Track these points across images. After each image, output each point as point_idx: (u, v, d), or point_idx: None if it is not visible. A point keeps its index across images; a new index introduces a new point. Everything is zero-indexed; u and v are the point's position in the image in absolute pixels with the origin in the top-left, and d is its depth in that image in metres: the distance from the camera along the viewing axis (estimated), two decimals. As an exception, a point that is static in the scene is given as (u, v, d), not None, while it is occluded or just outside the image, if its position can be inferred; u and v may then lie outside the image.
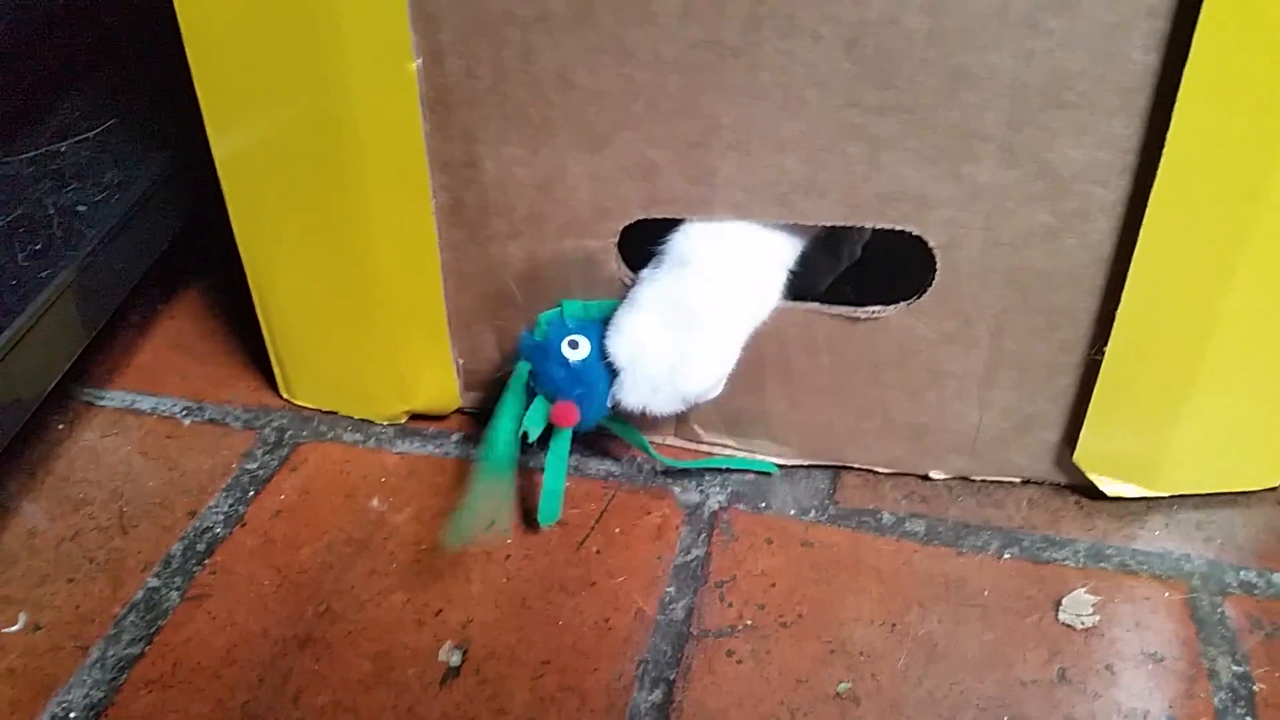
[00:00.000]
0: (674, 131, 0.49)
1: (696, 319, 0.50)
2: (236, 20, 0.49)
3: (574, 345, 0.51)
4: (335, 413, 0.62)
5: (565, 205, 0.52)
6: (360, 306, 0.57)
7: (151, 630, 0.51)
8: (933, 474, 0.58)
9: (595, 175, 0.51)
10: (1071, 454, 0.55)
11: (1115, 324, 0.50)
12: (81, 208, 0.59)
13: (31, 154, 0.63)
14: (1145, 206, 0.46)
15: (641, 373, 0.51)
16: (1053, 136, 0.46)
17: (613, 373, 0.51)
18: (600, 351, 0.51)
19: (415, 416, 0.62)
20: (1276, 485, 0.56)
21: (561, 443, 0.53)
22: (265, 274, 0.58)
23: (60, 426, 0.62)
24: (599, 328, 0.52)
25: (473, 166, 0.52)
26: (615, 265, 0.53)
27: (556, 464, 0.53)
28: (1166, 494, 0.56)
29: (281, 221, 0.55)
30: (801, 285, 0.53)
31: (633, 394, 0.51)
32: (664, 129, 0.49)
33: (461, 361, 0.60)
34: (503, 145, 0.51)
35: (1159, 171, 0.45)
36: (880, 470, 0.58)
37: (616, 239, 0.53)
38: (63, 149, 0.64)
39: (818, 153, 0.48)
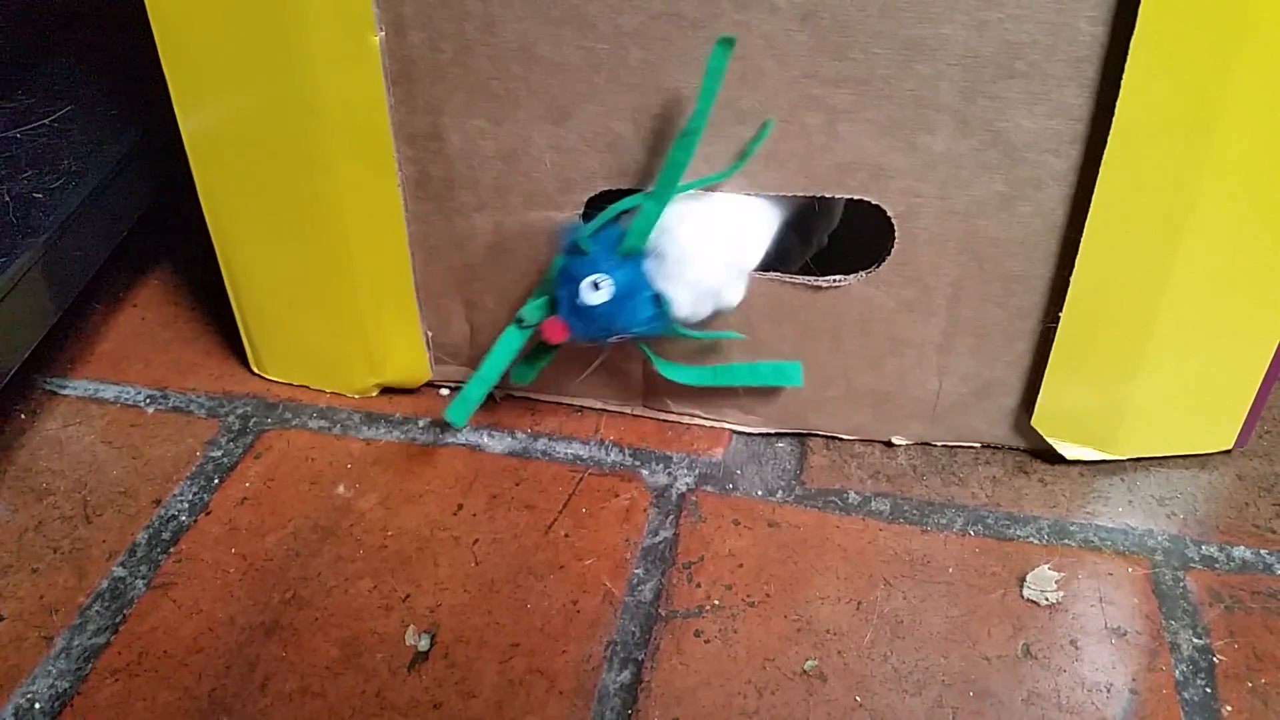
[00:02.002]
0: (636, 103, 0.49)
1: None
2: None
3: (595, 286, 0.48)
4: (299, 400, 0.62)
5: (530, 177, 0.52)
6: (329, 280, 0.57)
7: (117, 619, 0.50)
8: (895, 440, 0.58)
9: (559, 147, 0.51)
10: (1030, 419, 0.55)
11: (1069, 290, 0.50)
12: (38, 195, 0.58)
13: (-13, 141, 0.62)
14: (1097, 174, 0.47)
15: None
16: (1005, 106, 0.46)
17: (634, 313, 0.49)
18: (623, 293, 0.48)
19: (385, 390, 0.62)
20: (1230, 448, 0.57)
21: (508, 344, 0.52)
22: (234, 249, 0.58)
23: (22, 416, 0.61)
24: (630, 266, 0.49)
25: (438, 139, 0.52)
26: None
27: (492, 364, 0.52)
28: (1124, 457, 0.57)
29: (249, 197, 0.55)
30: (773, 269, 0.53)
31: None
32: (626, 101, 0.49)
33: (431, 334, 0.60)
34: (467, 118, 0.51)
35: (1109, 140, 0.46)
36: (844, 437, 0.59)
37: (581, 210, 0.53)
38: (19, 136, 0.63)
39: (776, 123, 0.48)
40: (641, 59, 0.47)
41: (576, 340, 0.49)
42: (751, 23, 0.45)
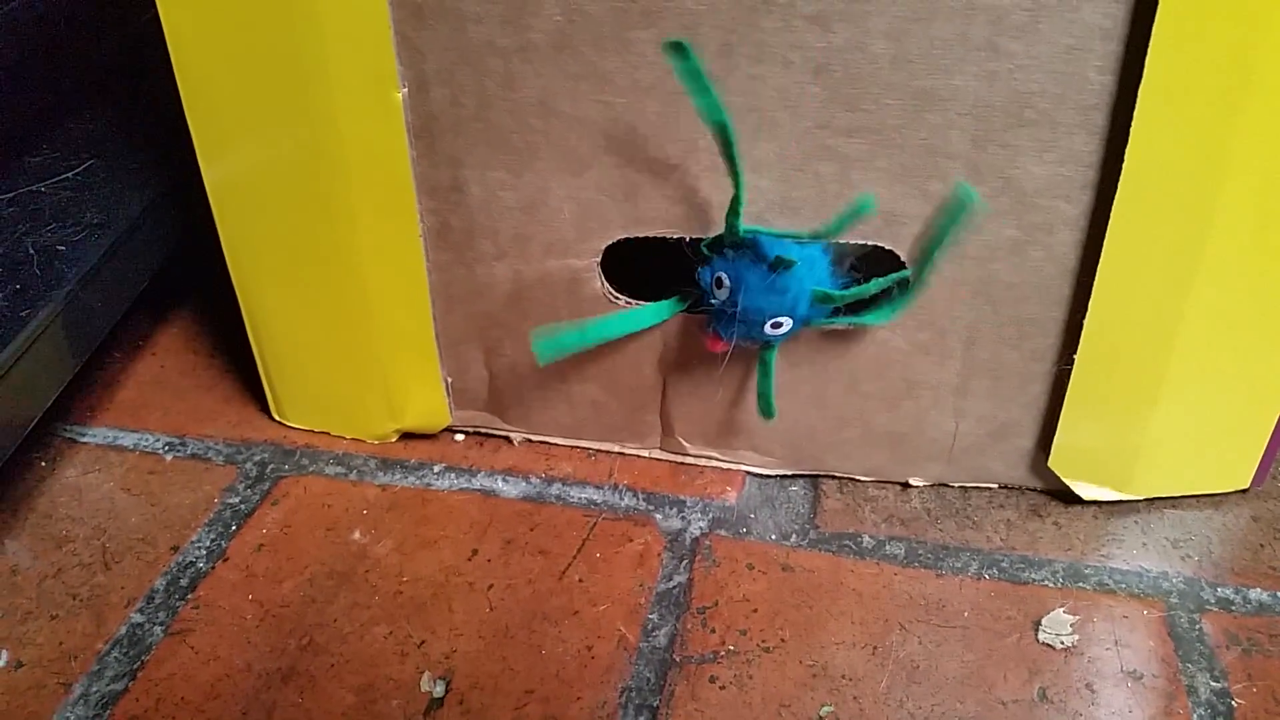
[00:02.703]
0: (653, 154, 0.50)
1: None
2: (227, 53, 0.50)
3: (719, 284, 0.49)
4: (316, 447, 0.63)
5: (549, 226, 0.53)
6: (350, 328, 0.58)
7: (135, 666, 0.51)
8: (912, 481, 0.59)
9: (578, 197, 0.52)
10: (1046, 459, 0.56)
11: (1083, 333, 0.51)
12: (61, 247, 0.59)
13: (11, 194, 0.63)
14: (1107, 219, 0.47)
15: None
16: (1016, 154, 0.47)
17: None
18: (738, 279, 0.49)
19: (402, 436, 0.63)
20: (1246, 488, 0.57)
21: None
22: (256, 297, 0.59)
23: (42, 464, 0.62)
24: (738, 256, 0.50)
25: (458, 191, 0.53)
26: (599, 284, 0.54)
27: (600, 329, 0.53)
28: (1140, 497, 0.57)
29: (272, 246, 0.56)
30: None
31: None
32: (643, 152, 0.50)
33: (450, 380, 0.60)
34: (487, 170, 0.52)
35: (1119, 185, 0.46)
36: (860, 479, 0.59)
37: (600, 258, 0.54)
38: (42, 189, 0.64)
39: (791, 172, 0.49)
40: (658, 112, 0.48)
41: (740, 342, 0.51)
42: (766, 76, 0.46)
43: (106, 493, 0.60)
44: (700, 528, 0.57)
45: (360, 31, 0.48)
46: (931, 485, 0.59)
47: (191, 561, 0.56)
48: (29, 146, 0.68)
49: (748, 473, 0.60)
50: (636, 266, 0.60)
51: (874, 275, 0.49)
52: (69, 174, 0.65)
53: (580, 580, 0.54)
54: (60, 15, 0.70)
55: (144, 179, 0.65)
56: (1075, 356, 0.52)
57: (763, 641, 0.51)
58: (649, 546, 0.56)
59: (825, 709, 0.48)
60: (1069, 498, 0.57)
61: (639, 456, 0.61)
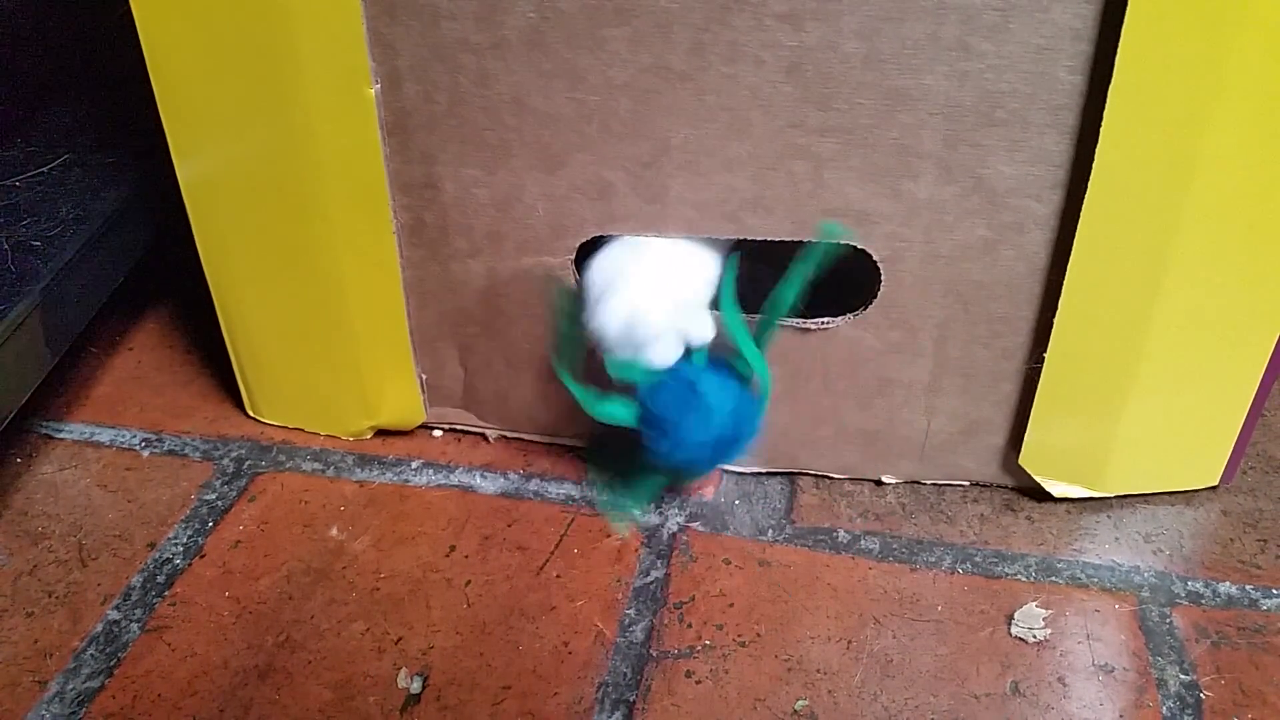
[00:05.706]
0: (626, 152, 0.50)
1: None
2: (200, 49, 0.50)
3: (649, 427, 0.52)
4: (293, 443, 0.63)
5: (523, 224, 0.53)
6: (325, 325, 0.58)
7: (111, 663, 0.51)
8: (885, 478, 0.59)
9: (551, 195, 0.52)
10: (1017, 457, 0.56)
11: (1053, 331, 0.51)
12: (36, 243, 0.59)
13: (-15, 190, 0.63)
14: (1078, 218, 0.48)
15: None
16: (987, 153, 0.47)
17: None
18: (645, 417, 0.52)
19: (379, 432, 0.63)
20: (1215, 484, 0.58)
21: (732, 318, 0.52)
22: (231, 294, 0.58)
23: (18, 460, 0.62)
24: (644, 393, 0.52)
25: (432, 187, 0.53)
26: (573, 281, 0.54)
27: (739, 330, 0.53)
28: (1111, 494, 0.57)
29: (246, 243, 0.56)
30: (757, 305, 0.54)
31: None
32: (616, 150, 0.50)
33: (425, 377, 0.60)
34: (461, 166, 0.52)
35: (1089, 185, 0.47)
36: (834, 476, 0.60)
37: (573, 256, 0.54)
38: (17, 184, 0.64)
39: (764, 171, 0.49)
40: (631, 110, 0.48)
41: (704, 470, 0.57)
42: (738, 75, 0.46)
43: (83, 489, 0.60)
44: (677, 523, 0.58)
45: (333, 27, 0.48)
46: (904, 483, 0.59)
47: (168, 558, 0.56)
48: (3, 141, 0.67)
49: (722, 470, 0.61)
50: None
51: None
52: (44, 169, 0.65)
53: (558, 576, 0.55)
54: (34, 9, 0.69)
55: (120, 174, 0.65)
56: (1045, 355, 0.52)
57: (739, 636, 0.52)
58: (626, 542, 0.56)
59: (800, 703, 0.49)
60: (1042, 493, 0.58)
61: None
